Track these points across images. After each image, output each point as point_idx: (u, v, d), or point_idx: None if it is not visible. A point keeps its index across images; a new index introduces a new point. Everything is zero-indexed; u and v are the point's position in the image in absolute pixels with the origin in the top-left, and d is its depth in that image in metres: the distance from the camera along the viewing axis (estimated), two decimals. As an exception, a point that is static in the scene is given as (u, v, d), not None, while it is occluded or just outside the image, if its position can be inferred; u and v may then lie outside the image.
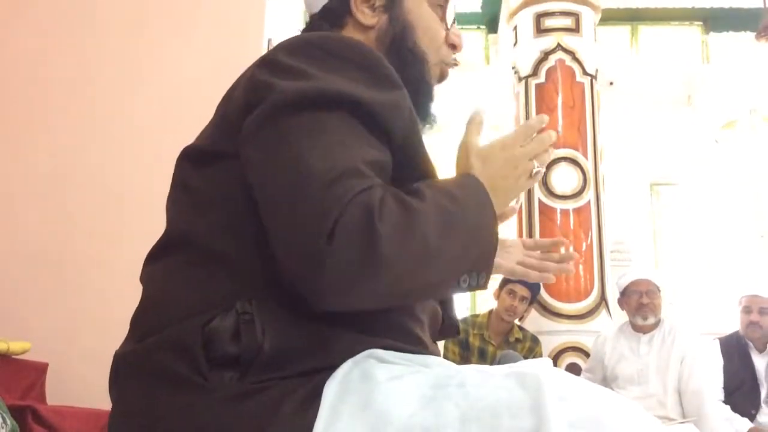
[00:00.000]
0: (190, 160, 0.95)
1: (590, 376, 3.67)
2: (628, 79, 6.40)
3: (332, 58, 0.89)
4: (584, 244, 4.83)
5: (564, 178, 4.86)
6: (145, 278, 0.94)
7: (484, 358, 3.87)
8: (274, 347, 0.80)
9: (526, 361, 1.03)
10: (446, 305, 1.05)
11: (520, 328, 4.10)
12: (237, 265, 0.85)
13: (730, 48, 7.06)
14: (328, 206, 0.76)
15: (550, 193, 4.86)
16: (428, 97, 1.06)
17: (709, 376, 3.57)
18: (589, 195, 4.90)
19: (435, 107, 1.08)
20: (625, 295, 3.64)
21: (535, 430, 0.70)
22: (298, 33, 1.04)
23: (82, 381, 3.03)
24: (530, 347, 4.00)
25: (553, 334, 4.59)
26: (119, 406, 0.87)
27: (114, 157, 3.42)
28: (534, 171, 0.95)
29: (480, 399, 0.74)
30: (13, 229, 3.35)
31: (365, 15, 1.04)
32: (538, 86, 5.10)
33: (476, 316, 4.09)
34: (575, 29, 5.14)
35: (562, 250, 1.23)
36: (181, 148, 0.98)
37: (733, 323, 3.94)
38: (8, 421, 2.24)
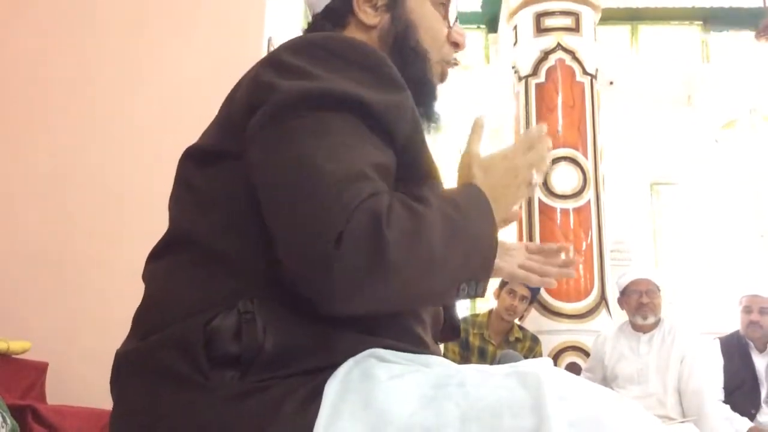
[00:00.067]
0: (194, 159, 0.95)
1: (590, 375, 3.67)
2: (628, 78, 6.40)
3: (336, 58, 0.89)
4: (584, 244, 4.83)
5: (564, 178, 4.86)
6: (147, 276, 0.94)
7: (484, 357, 3.87)
8: (275, 346, 0.80)
9: (527, 360, 1.03)
10: (448, 307, 1.06)
11: (520, 328, 4.10)
12: (239, 265, 0.85)
13: (730, 47, 7.05)
14: (336, 210, 0.76)
15: (550, 192, 4.86)
16: (431, 96, 1.06)
17: (709, 375, 3.57)
18: (589, 194, 4.90)
19: (438, 107, 1.08)
20: (624, 294, 3.64)
21: (536, 429, 0.70)
22: (301, 33, 1.04)
23: (82, 380, 3.03)
24: (530, 347, 4.00)
25: (553, 333, 4.59)
26: (120, 404, 0.87)
27: (114, 157, 3.42)
28: (533, 180, 0.97)
29: (480, 398, 0.74)
30: (13, 229, 3.35)
31: (368, 14, 1.04)
32: (538, 86, 5.10)
33: (476, 315, 4.09)
34: (575, 29, 5.14)
35: (563, 256, 1.22)
36: (182, 148, 0.98)
37: (733, 323, 3.94)
38: (8, 421, 2.24)
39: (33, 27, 3.58)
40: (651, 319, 3.54)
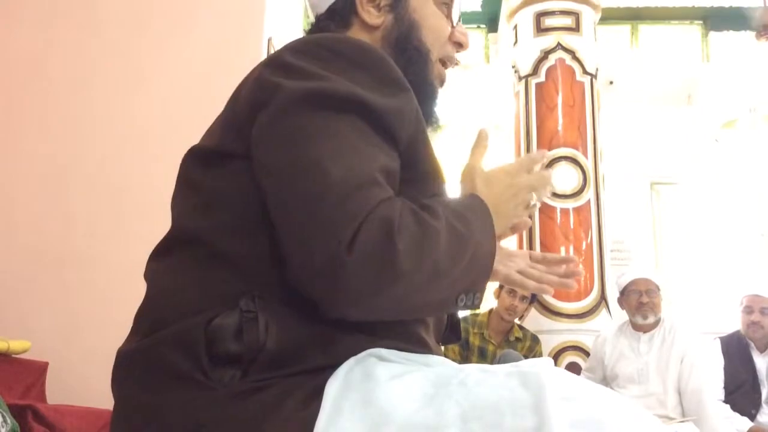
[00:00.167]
0: (197, 159, 0.94)
1: (590, 375, 3.67)
2: (628, 78, 6.40)
3: (340, 59, 0.89)
4: (584, 244, 4.83)
5: (564, 177, 4.85)
6: (149, 275, 0.94)
7: (484, 357, 3.87)
8: (276, 346, 0.80)
9: (527, 360, 1.03)
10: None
11: (520, 327, 4.10)
12: (242, 264, 0.85)
13: (730, 47, 7.05)
14: (348, 216, 0.76)
15: (550, 192, 4.85)
16: (432, 97, 1.06)
17: (709, 375, 3.57)
18: (589, 194, 4.89)
19: (439, 108, 1.08)
20: (624, 294, 3.64)
21: (537, 429, 0.70)
22: (302, 33, 1.04)
23: (82, 380, 3.03)
24: (530, 346, 4.00)
25: (553, 333, 4.59)
26: (122, 402, 0.88)
27: (114, 156, 3.42)
28: (532, 203, 0.99)
29: (482, 398, 0.74)
30: (13, 228, 3.35)
31: (371, 15, 1.04)
32: (538, 85, 5.09)
33: (476, 315, 4.08)
34: (575, 28, 5.13)
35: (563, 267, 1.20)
36: (182, 147, 0.98)
37: (733, 322, 3.94)
38: (8, 420, 2.24)
39: (33, 26, 3.58)
40: (651, 319, 3.54)
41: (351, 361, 0.81)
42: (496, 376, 0.79)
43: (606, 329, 3.98)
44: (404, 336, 0.89)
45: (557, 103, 5.02)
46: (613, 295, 4.17)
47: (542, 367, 0.80)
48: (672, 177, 6.48)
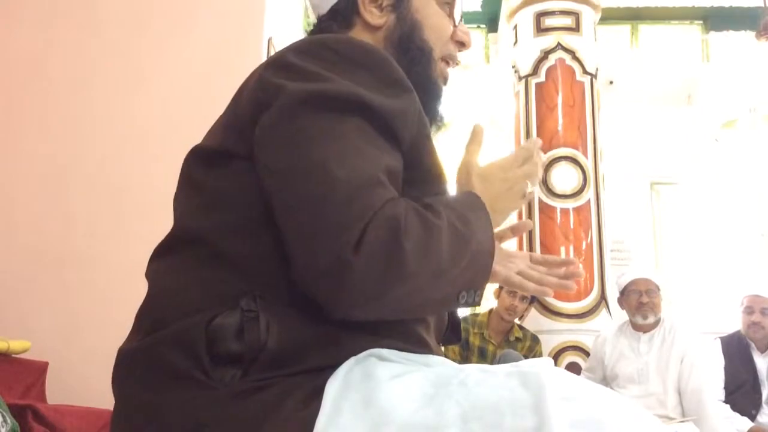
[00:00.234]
0: (200, 159, 0.94)
1: (590, 375, 3.68)
2: (628, 78, 6.40)
3: (343, 60, 0.89)
4: (584, 243, 4.83)
5: (564, 177, 4.85)
6: (150, 275, 0.94)
7: (484, 357, 3.87)
8: (277, 345, 0.80)
9: (527, 360, 1.03)
10: (451, 312, 1.08)
11: (520, 327, 4.10)
12: (244, 264, 0.85)
13: (730, 47, 7.05)
14: (354, 216, 0.76)
15: (550, 192, 4.86)
16: (436, 96, 1.07)
17: (709, 375, 3.57)
18: (589, 194, 4.89)
19: (443, 107, 1.08)
20: (624, 294, 3.64)
21: (537, 429, 0.70)
22: (302, 34, 1.04)
23: (82, 380, 3.03)
24: (530, 346, 4.00)
25: (553, 333, 4.59)
26: (122, 401, 0.88)
27: (114, 156, 3.42)
28: (527, 191, 1.00)
29: (482, 398, 0.74)
30: (13, 228, 3.35)
31: (373, 15, 1.04)
32: (538, 85, 5.09)
33: (476, 315, 4.09)
34: (575, 28, 5.13)
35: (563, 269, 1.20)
36: (182, 147, 0.98)
37: (733, 322, 3.94)
38: (8, 420, 2.23)
39: (33, 26, 3.58)
40: (651, 319, 3.54)
41: (351, 361, 0.81)
42: (496, 376, 0.79)
43: (606, 329, 3.98)
44: (405, 336, 0.89)
45: (557, 103, 5.02)
46: (613, 295, 4.17)
47: (542, 367, 0.80)
48: (672, 177, 6.48)
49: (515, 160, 1.00)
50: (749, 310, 3.77)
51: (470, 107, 5.99)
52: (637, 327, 3.59)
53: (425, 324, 0.94)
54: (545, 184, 4.85)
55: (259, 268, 0.84)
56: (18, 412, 2.39)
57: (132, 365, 0.86)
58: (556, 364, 1.14)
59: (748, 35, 6.40)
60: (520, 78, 5.22)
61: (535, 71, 5.11)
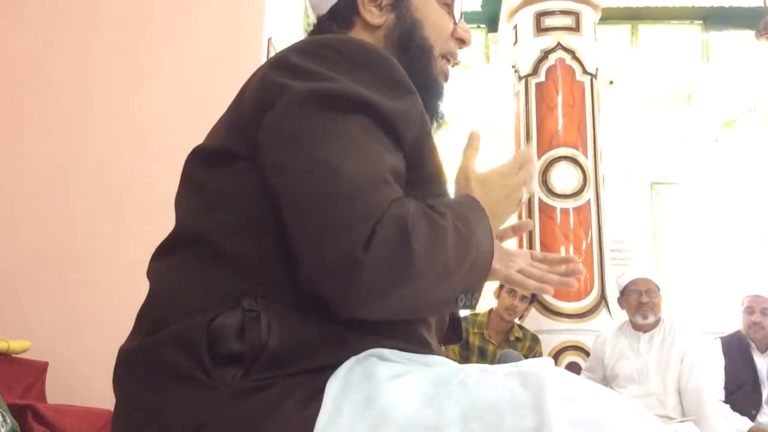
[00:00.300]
0: (201, 159, 0.94)
1: (590, 375, 3.67)
2: (628, 78, 6.40)
3: (345, 60, 0.89)
4: (584, 243, 4.83)
5: (564, 177, 4.85)
6: (152, 274, 0.94)
7: (484, 357, 3.87)
8: (278, 345, 0.80)
9: (527, 360, 1.03)
10: (453, 312, 1.08)
11: (520, 327, 4.10)
12: (245, 264, 0.85)
13: (730, 47, 7.05)
14: (361, 215, 0.76)
15: (550, 191, 4.86)
16: (438, 94, 1.07)
17: (709, 375, 3.57)
18: (589, 194, 4.89)
19: (443, 105, 1.09)
20: (624, 294, 3.64)
21: (537, 429, 0.70)
22: (302, 34, 1.05)
23: (82, 380, 3.03)
24: (530, 346, 4.00)
25: (553, 332, 4.59)
26: (123, 401, 0.88)
27: (114, 156, 3.42)
28: (523, 199, 1.02)
29: (482, 398, 0.74)
30: (13, 228, 3.35)
31: (373, 14, 1.05)
32: (538, 85, 5.09)
33: (476, 315, 4.08)
34: (575, 28, 5.13)
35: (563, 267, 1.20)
36: (182, 147, 0.98)
37: (733, 322, 3.94)
38: (8, 420, 2.23)
39: (33, 26, 3.58)
40: (651, 319, 3.54)
41: (351, 361, 0.81)
42: (496, 376, 0.79)
43: (606, 329, 3.98)
44: (406, 336, 0.89)
45: (557, 103, 5.02)
46: (613, 295, 4.17)
47: (542, 367, 0.80)
48: (672, 177, 6.48)
49: (513, 168, 1.01)
50: (749, 310, 3.77)
51: (470, 107, 5.99)
52: (637, 327, 3.59)
53: (427, 324, 0.95)
54: (545, 183, 4.85)
55: (261, 268, 0.84)
56: (18, 412, 2.39)
57: (133, 365, 0.86)
58: (556, 364, 1.14)
59: (748, 35, 6.39)
60: (520, 78, 5.22)
61: (535, 71, 5.11)
